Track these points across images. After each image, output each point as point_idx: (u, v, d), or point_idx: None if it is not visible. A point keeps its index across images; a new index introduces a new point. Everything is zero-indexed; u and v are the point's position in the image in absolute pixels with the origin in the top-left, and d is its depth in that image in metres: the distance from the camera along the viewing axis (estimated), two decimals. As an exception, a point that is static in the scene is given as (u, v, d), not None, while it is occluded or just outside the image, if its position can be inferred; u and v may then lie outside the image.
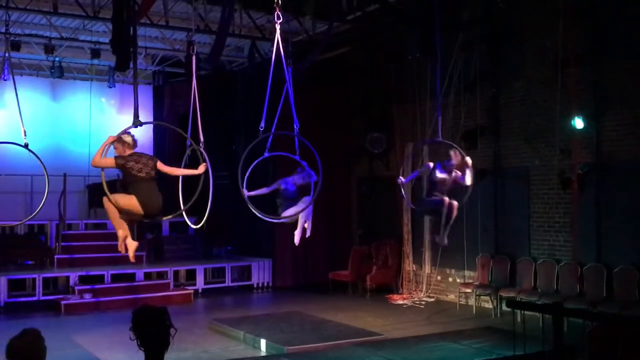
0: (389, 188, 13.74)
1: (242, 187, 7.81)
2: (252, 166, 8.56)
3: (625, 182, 9.76)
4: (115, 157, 6.80)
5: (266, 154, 8.34)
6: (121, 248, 7.08)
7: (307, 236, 9.26)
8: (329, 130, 14.43)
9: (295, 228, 9.15)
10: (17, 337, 3.52)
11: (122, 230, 6.96)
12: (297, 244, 9.31)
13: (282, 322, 10.28)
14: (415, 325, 10.58)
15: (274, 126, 8.14)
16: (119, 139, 6.84)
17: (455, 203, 8.72)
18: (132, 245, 7.06)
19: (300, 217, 8.98)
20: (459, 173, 8.81)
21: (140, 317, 3.49)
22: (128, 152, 6.86)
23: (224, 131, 16.08)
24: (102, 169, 6.86)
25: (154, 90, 17.86)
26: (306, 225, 9.15)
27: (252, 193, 8.55)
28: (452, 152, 8.78)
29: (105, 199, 6.75)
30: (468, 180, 8.75)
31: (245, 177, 8.22)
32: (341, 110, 15.20)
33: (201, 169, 7.42)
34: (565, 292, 10.16)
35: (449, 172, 8.76)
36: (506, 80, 11.62)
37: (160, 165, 7.02)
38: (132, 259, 7.25)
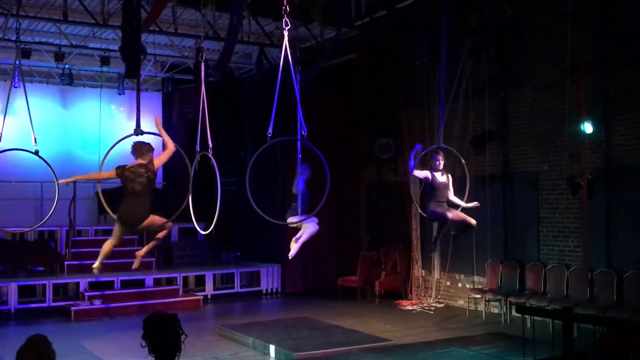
0: (398, 193, 13.75)
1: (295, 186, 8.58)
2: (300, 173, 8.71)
3: (635, 187, 9.71)
4: (116, 168, 7.03)
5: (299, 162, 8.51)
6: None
7: (290, 256, 8.98)
8: (337, 136, 14.45)
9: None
10: (25, 345, 3.52)
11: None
12: (291, 257, 8.96)
13: (291, 328, 10.28)
14: (425, 331, 10.55)
15: (298, 133, 8.17)
16: (137, 146, 7.10)
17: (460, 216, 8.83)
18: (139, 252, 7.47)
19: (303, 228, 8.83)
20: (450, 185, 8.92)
21: (151, 324, 3.51)
22: (143, 160, 7.07)
23: (232, 137, 16.14)
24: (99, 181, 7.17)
25: (163, 97, 17.93)
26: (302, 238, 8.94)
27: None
28: (438, 156, 8.85)
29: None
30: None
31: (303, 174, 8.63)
32: (349, 116, 15.21)
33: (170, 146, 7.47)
34: (575, 297, 10.11)
35: (446, 176, 8.81)
36: (515, 85, 11.60)
37: (157, 163, 7.33)
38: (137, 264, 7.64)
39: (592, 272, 10.05)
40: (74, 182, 13.76)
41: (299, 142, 8.21)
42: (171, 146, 7.39)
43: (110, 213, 7.08)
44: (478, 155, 11.93)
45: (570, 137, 10.36)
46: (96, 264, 7.48)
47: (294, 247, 8.80)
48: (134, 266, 7.91)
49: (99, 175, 7.20)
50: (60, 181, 7.08)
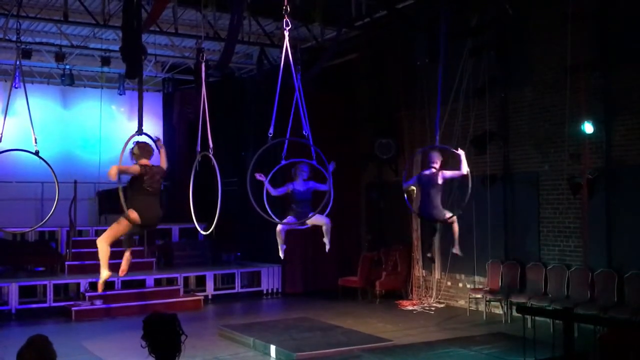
0: (398, 194, 13.71)
1: (266, 182, 8.43)
2: (270, 174, 8.60)
3: (635, 187, 9.71)
4: (140, 165, 6.99)
5: (283, 162, 8.42)
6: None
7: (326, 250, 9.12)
8: (338, 137, 14.42)
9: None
10: (26, 346, 3.53)
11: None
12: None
13: (292, 328, 10.28)
14: (425, 331, 10.56)
15: (288, 132, 8.17)
16: (143, 145, 7.05)
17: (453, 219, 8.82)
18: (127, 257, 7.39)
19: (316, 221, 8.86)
20: (447, 173, 8.81)
21: (150, 324, 3.51)
22: (146, 161, 7.05)
23: (233, 138, 16.14)
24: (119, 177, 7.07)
25: (163, 98, 17.95)
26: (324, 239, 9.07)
27: (272, 192, 8.66)
28: (432, 155, 8.81)
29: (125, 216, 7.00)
30: (464, 168, 8.68)
31: (267, 180, 8.50)
32: (349, 116, 15.21)
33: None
34: (576, 297, 10.11)
35: (436, 176, 8.72)
36: (515, 85, 11.60)
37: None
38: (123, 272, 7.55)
39: (592, 272, 10.05)
40: (75, 183, 13.86)
41: (286, 142, 8.18)
42: (165, 167, 7.40)
43: (127, 212, 6.95)
44: (478, 155, 11.92)
45: (571, 137, 10.36)
46: (106, 273, 7.32)
47: (326, 243, 8.98)
48: (123, 272, 7.78)
49: (128, 168, 7.11)
50: (112, 176, 6.93)
